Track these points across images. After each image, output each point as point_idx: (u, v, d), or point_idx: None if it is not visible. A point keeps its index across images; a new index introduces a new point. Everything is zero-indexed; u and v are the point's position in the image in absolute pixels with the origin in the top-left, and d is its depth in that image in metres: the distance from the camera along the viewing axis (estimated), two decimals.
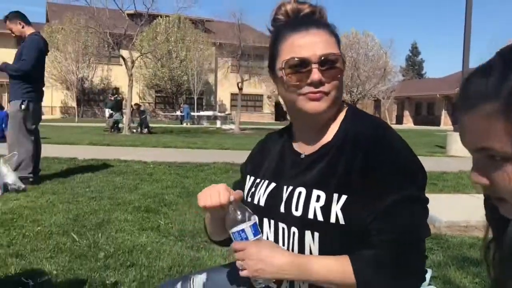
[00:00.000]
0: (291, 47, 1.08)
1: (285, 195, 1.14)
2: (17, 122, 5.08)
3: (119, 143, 11.51)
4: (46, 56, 5.44)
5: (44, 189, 4.72)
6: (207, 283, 1.41)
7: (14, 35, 5.40)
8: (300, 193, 1.10)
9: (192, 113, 31.48)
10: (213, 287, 1.39)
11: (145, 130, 17.32)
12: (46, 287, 1.74)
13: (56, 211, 3.72)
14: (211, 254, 2.65)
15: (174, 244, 2.87)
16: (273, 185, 1.19)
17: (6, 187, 4.56)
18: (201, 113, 33.17)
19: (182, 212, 3.79)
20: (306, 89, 1.06)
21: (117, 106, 18.48)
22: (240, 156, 7.18)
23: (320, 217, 1.04)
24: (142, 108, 18.69)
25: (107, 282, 2.16)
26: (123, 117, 17.63)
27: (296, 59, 1.06)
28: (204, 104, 40.65)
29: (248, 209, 1.13)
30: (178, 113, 32.64)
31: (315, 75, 1.04)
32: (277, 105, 44.17)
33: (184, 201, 4.29)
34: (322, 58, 1.05)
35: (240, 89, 20.08)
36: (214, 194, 1.11)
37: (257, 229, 1.10)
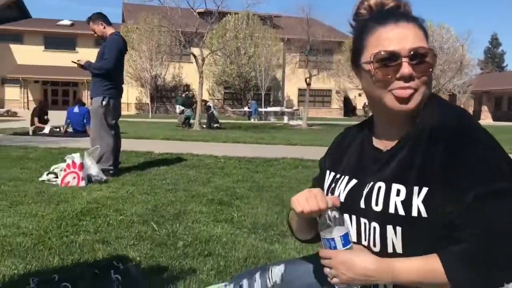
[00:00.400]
0: (379, 41, 1.06)
1: (365, 191, 1.13)
2: (99, 118, 5.37)
3: (191, 138, 11.87)
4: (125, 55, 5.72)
5: (124, 181, 4.97)
6: (285, 274, 1.43)
7: (96, 35, 5.68)
8: (379, 188, 1.09)
9: (260, 109, 31.72)
10: (291, 278, 1.41)
11: (215, 125, 17.69)
12: (133, 271, 1.86)
13: (136, 201, 3.92)
14: (285, 248, 2.68)
15: (248, 236, 2.93)
16: (354, 181, 1.18)
17: (90, 179, 4.85)
18: (269, 109, 33.33)
19: (254, 206, 3.85)
20: (395, 84, 1.04)
21: (188, 103, 19.03)
22: (309, 152, 7.15)
23: (401, 211, 1.02)
24: (208, 104, 19.07)
25: (186, 269, 2.26)
26: (194, 113, 18.13)
27: (385, 52, 1.04)
28: (271, 100, 40.84)
29: (343, 217, 1.12)
30: (246, 109, 33.02)
31: (405, 69, 1.02)
32: (346, 100, 43.40)
33: (255, 195, 4.35)
34: (412, 52, 1.02)
35: (308, 84, 19.94)
36: (312, 199, 1.09)
37: (348, 239, 1.08)
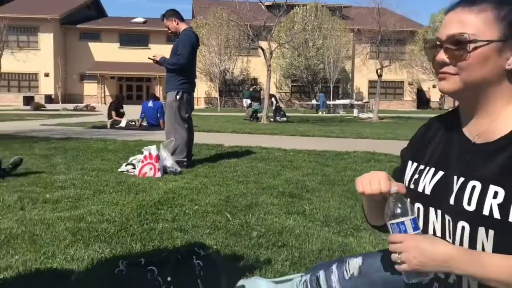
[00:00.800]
0: (440, 26, 1.13)
1: (455, 187, 1.08)
2: (173, 111, 5.55)
3: (259, 131, 11.98)
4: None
5: (197, 172, 5.12)
6: (363, 267, 1.41)
7: (169, 31, 5.87)
8: (474, 187, 1.04)
9: (328, 102, 31.35)
10: (369, 271, 1.40)
11: (282, 119, 17.71)
12: (214, 258, 1.92)
13: (209, 192, 4.03)
14: (360, 241, 2.65)
15: (321, 229, 2.92)
16: (440, 173, 1.14)
17: (165, 170, 5.04)
18: (337, 101, 32.84)
19: (326, 199, 3.83)
20: (437, 68, 1.10)
21: (256, 97, 19.22)
22: (381, 145, 7.00)
23: (496, 215, 0.98)
24: (271, 100, 19.09)
25: (261, 259, 2.29)
26: (261, 106, 18.27)
27: (431, 39, 1.12)
28: (340, 92, 40.22)
29: (409, 203, 1.11)
30: (314, 102, 32.77)
31: (439, 55, 1.07)
32: (419, 92, 41.81)
33: (326, 188, 4.31)
34: (447, 38, 1.06)
35: (380, 75, 19.41)
36: (375, 181, 1.11)
37: (417, 224, 1.07)
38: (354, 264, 1.44)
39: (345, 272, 1.44)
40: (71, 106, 28.58)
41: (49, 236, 2.65)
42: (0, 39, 21.37)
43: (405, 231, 1.06)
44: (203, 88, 38.55)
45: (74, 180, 4.47)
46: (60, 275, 2.09)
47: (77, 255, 2.33)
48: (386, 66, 20.51)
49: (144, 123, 12.67)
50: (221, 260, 2.12)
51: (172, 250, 2.37)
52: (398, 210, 1.08)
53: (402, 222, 1.07)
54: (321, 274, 1.49)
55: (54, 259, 2.28)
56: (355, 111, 26.35)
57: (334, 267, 1.48)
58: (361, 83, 41.09)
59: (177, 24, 5.73)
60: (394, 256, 1.07)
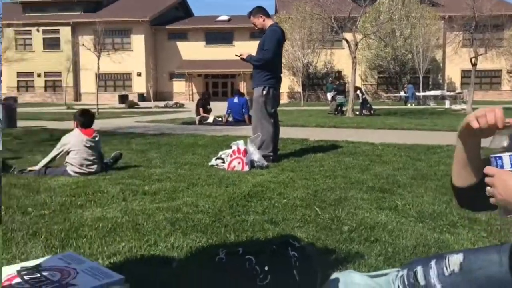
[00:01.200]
0: None
1: None
2: (259, 107, 5.66)
3: (345, 125, 11.80)
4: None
5: (283, 167, 5.18)
6: (464, 264, 1.37)
7: (256, 28, 5.98)
8: None
9: (417, 93, 30.02)
10: (470, 268, 1.35)
11: (367, 112, 17.26)
12: (309, 250, 1.95)
13: (296, 186, 4.06)
14: (457, 238, 2.54)
15: (414, 225, 2.83)
16: None
17: (252, 164, 5.16)
18: (427, 93, 31.33)
19: (418, 194, 3.70)
20: None
21: (340, 90, 18.91)
22: None
23: None
24: (357, 93, 18.62)
25: (354, 253, 2.28)
26: (346, 100, 17.95)
27: None
28: (430, 83, 38.31)
29: None
30: (402, 93, 31.57)
31: None
32: None
33: (418, 183, 4.16)
34: None
35: (474, 64, 18.21)
36: (490, 113, 1.08)
37: None
38: (455, 260, 1.39)
39: (444, 268, 1.40)
40: (161, 103, 30.02)
41: (150, 225, 2.84)
42: (98, 42, 22.94)
43: (502, 166, 1.04)
44: (286, 83, 38.61)
45: (169, 174, 4.72)
46: (163, 261, 2.24)
47: (177, 244, 2.48)
48: (481, 54, 19.17)
49: (230, 119, 12.98)
50: (315, 252, 2.14)
51: (265, 241, 2.44)
52: (504, 144, 1.06)
53: (500, 157, 1.05)
54: (419, 269, 1.46)
55: (156, 247, 2.45)
56: (447, 102, 24.97)
57: (432, 263, 1.44)
58: (453, 73, 38.82)
59: (264, 20, 5.82)
60: (488, 189, 1.07)
